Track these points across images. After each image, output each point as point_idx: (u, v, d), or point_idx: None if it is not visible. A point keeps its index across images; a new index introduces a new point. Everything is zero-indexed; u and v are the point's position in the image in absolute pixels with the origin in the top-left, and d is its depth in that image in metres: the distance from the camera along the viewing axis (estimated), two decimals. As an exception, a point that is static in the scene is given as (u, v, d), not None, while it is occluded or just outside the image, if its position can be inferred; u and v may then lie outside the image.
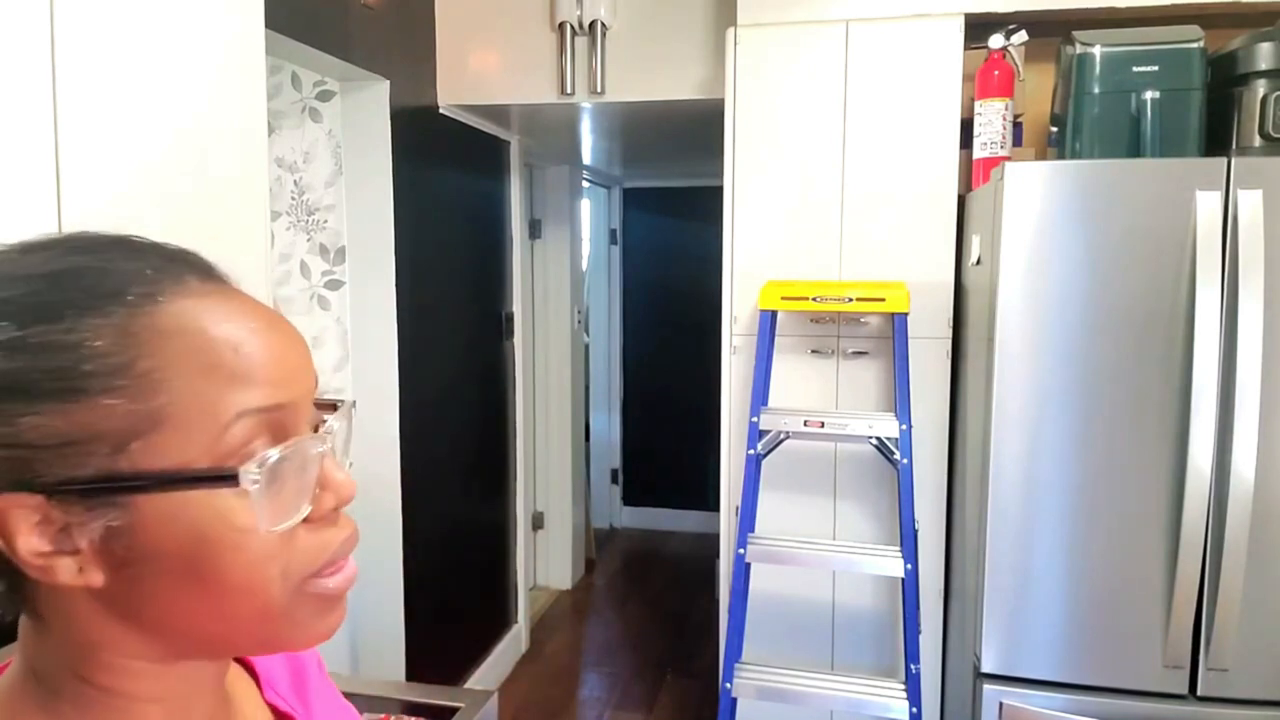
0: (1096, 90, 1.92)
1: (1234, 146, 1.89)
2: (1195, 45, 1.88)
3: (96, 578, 0.45)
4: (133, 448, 0.43)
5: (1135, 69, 1.89)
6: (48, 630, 0.48)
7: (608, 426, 5.14)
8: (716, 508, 2.45)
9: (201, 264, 0.50)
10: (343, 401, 0.53)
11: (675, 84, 2.60)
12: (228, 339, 0.46)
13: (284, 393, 0.47)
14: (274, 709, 0.61)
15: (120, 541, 0.44)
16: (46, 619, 0.47)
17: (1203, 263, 1.69)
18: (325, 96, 2.49)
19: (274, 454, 0.46)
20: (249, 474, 0.45)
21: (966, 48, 2.20)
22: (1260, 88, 1.85)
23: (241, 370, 0.46)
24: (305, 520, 0.48)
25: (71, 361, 0.43)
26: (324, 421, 0.51)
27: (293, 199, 2.51)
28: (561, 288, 4.14)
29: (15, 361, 0.43)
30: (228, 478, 0.44)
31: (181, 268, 0.48)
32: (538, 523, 4.20)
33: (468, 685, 3.07)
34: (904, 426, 2.11)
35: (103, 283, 0.45)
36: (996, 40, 2.17)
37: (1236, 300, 1.69)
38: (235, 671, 0.60)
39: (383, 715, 1.53)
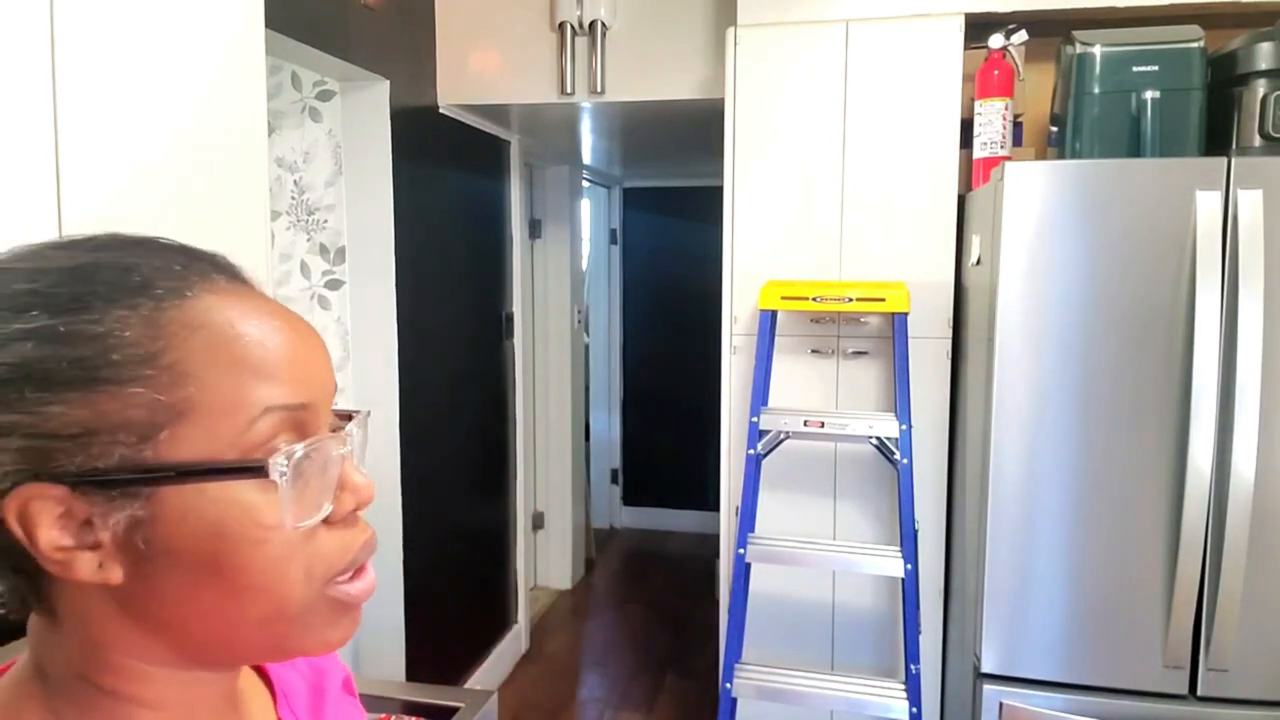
0: (1096, 90, 1.92)
1: (1234, 146, 1.89)
2: (1195, 45, 1.88)
3: (115, 574, 0.45)
4: (159, 438, 0.43)
5: (1135, 69, 1.89)
6: (59, 627, 0.47)
7: (608, 426, 5.13)
8: (716, 508, 2.45)
9: (228, 266, 0.50)
10: (358, 412, 0.54)
11: (675, 84, 2.59)
12: (254, 335, 0.46)
13: (307, 393, 0.48)
14: None
15: (141, 535, 0.44)
16: (60, 615, 0.47)
17: (1203, 263, 1.69)
18: (325, 96, 2.49)
19: (299, 449, 0.46)
20: (277, 465, 0.45)
21: (966, 48, 2.20)
22: (1260, 88, 1.85)
23: (268, 367, 0.46)
24: (326, 522, 0.48)
25: (98, 351, 0.43)
26: (343, 426, 0.52)
27: (293, 199, 2.51)
28: (561, 288, 4.14)
29: (43, 350, 0.42)
30: (255, 469, 0.45)
31: (209, 266, 0.49)
32: (538, 523, 4.19)
33: (468, 685, 3.07)
34: (904, 426, 2.10)
35: (130, 277, 0.45)
36: (996, 40, 2.17)
37: (1236, 300, 1.69)
38: (251, 685, 0.59)
39: (383, 715, 1.53)
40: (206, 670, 0.51)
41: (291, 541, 0.46)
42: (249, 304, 0.48)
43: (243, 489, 0.45)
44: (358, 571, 0.51)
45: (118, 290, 0.44)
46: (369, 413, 0.56)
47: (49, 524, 0.43)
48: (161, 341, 0.44)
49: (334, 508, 0.49)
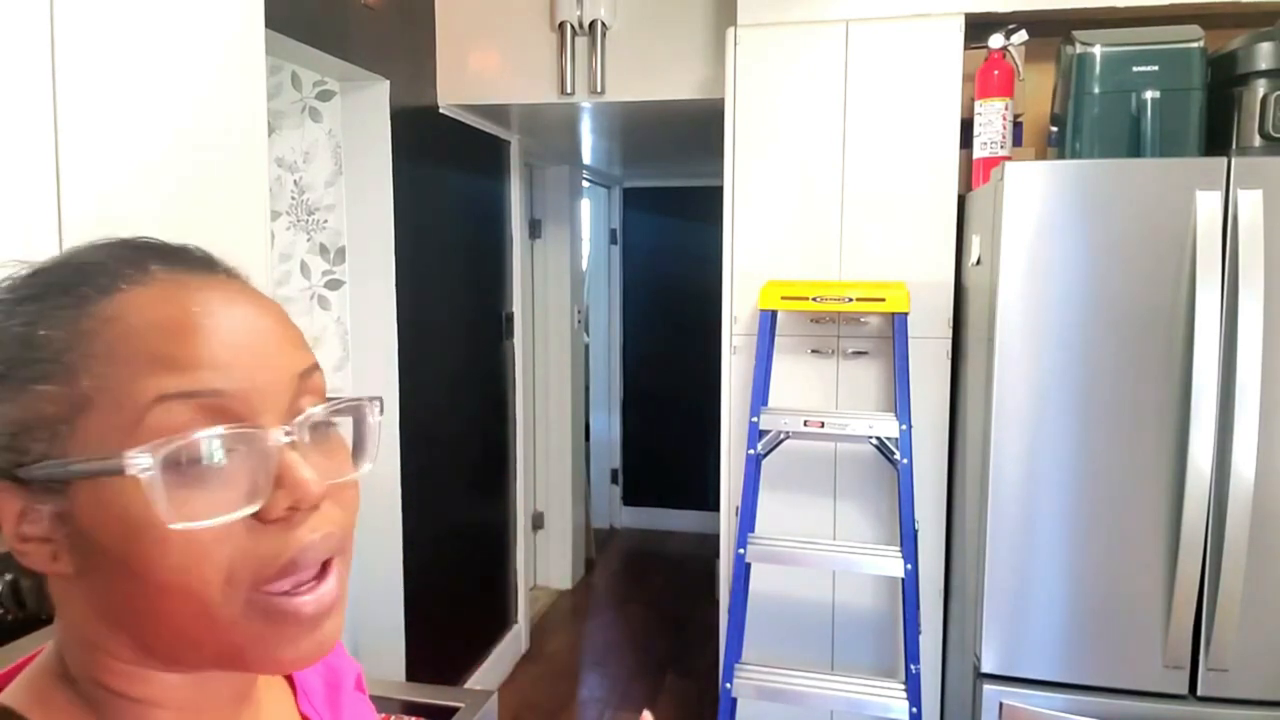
0: (1096, 90, 1.92)
1: (1234, 146, 1.89)
2: (1195, 45, 1.88)
3: (66, 566, 0.45)
4: (62, 433, 0.43)
5: (1135, 69, 1.89)
6: (61, 626, 0.49)
7: (608, 426, 5.13)
8: (716, 508, 2.45)
9: (173, 255, 0.49)
10: (336, 398, 0.50)
11: (675, 84, 2.59)
12: (162, 323, 0.44)
13: (229, 379, 0.44)
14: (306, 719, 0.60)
15: (68, 529, 0.44)
16: (59, 616, 0.49)
17: (1203, 263, 1.69)
18: (325, 96, 2.49)
19: (179, 441, 0.42)
20: (135, 460, 0.42)
21: (966, 48, 2.20)
22: (1260, 88, 1.85)
23: (170, 354, 0.43)
24: (261, 519, 0.44)
25: (22, 351, 0.44)
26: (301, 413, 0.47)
27: (293, 199, 2.51)
28: (561, 288, 4.14)
29: None
30: (111, 466, 0.42)
31: (150, 258, 0.47)
32: (538, 523, 4.19)
33: (468, 685, 3.07)
34: (904, 426, 2.10)
35: (69, 278, 0.46)
36: (996, 40, 2.17)
37: (1236, 300, 1.69)
38: (271, 680, 0.59)
39: (383, 715, 1.53)
40: (196, 672, 0.49)
41: (201, 540, 0.43)
42: (177, 292, 0.46)
43: (129, 484, 0.42)
44: (318, 579, 0.46)
45: (53, 292, 0.46)
46: (376, 399, 0.51)
47: (12, 516, 0.45)
48: (74, 339, 0.44)
49: (266, 504, 0.44)
